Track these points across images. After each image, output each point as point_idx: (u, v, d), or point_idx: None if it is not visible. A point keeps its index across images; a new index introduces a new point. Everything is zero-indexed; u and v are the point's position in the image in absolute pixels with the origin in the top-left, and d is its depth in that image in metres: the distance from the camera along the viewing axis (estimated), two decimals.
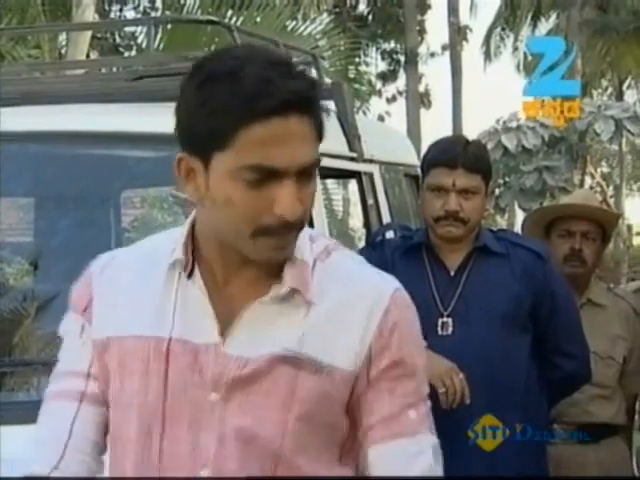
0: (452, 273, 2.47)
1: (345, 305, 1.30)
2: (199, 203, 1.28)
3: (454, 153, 2.43)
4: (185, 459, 1.28)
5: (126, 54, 10.31)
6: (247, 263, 1.29)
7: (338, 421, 1.31)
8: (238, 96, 1.19)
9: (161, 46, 6.57)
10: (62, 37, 8.05)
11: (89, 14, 7.11)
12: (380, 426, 1.31)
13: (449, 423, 2.29)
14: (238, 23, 6.86)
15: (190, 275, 1.31)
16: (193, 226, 1.33)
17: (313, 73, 3.75)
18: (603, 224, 2.96)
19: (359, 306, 1.29)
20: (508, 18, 22.74)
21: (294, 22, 8.04)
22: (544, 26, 22.99)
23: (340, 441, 1.33)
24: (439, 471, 1.34)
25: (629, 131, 15.02)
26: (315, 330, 1.28)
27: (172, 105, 1.29)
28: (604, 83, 24.95)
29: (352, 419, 1.32)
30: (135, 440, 1.31)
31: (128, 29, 10.50)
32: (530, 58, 24.07)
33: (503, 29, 23.22)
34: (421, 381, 1.35)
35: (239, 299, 1.29)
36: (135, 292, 1.34)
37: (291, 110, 1.20)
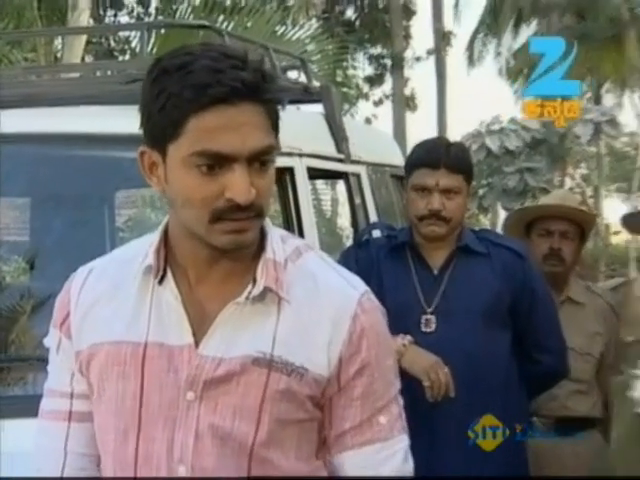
0: (435, 272, 2.47)
1: (313, 308, 1.29)
2: (162, 194, 1.28)
3: (437, 154, 2.44)
4: (161, 457, 1.28)
5: (120, 58, 10.28)
6: (217, 261, 1.29)
7: (311, 417, 1.31)
8: (188, 86, 1.20)
9: (154, 50, 6.55)
10: (58, 41, 8.02)
11: (84, 19, 7.08)
12: (351, 433, 1.32)
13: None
14: (229, 28, 6.85)
15: (162, 280, 1.31)
16: (166, 232, 1.33)
17: (302, 77, 3.76)
18: (581, 224, 2.97)
19: (326, 311, 1.29)
20: (491, 24, 22.79)
21: (283, 27, 8.00)
22: (525, 32, 23.07)
23: (316, 435, 1.33)
24: (408, 470, 1.35)
25: (607, 134, 15.10)
26: (286, 331, 1.28)
27: None
28: (583, 88, 25.04)
29: (323, 418, 1.33)
30: (112, 442, 1.31)
31: (122, 34, 10.46)
32: (512, 63, 24.17)
33: (486, 35, 23.26)
34: (391, 382, 1.35)
35: (212, 299, 1.30)
36: (112, 299, 1.34)
37: (239, 98, 1.20)
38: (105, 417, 1.33)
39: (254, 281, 1.29)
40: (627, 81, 23.45)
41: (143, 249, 1.33)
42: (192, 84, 1.20)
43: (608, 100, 24.37)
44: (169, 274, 1.31)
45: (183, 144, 1.22)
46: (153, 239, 1.33)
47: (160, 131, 1.23)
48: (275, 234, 1.34)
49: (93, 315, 1.35)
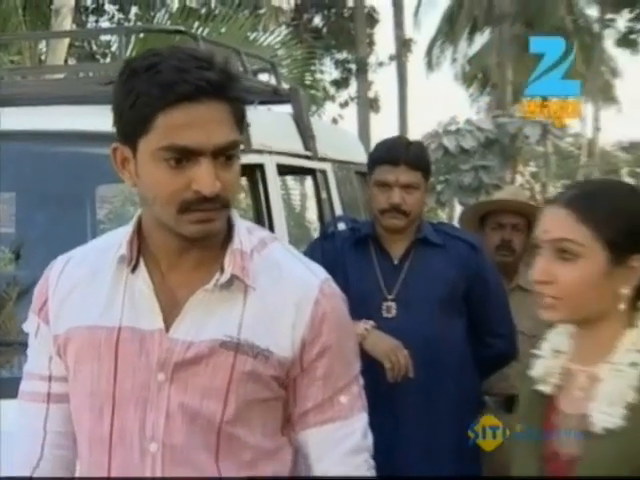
0: (396, 262, 2.48)
1: (277, 295, 1.29)
2: (134, 188, 1.28)
3: (397, 152, 2.44)
4: (134, 435, 1.27)
5: (101, 61, 10.16)
6: (187, 250, 1.29)
7: (276, 396, 1.31)
8: (156, 84, 1.20)
9: (133, 54, 6.48)
10: (42, 45, 7.92)
11: (67, 24, 6.99)
12: (314, 412, 1.32)
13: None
14: (204, 34, 6.79)
15: (134, 269, 1.30)
16: (140, 223, 1.32)
17: (272, 79, 3.75)
18: (530, 217, 3.00)
19: (289, 297, 1.29)
20: (448, 33, 22.90)
21: (255, 33, 7.96)
22: (479, 40, 23.22)
23: (281, 413, 1.33)
24: (367, 446, 1.35)
25: (554, 135, 15.26)
26: (252, 317, 1.28)
27: None
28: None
29: (288, 396, 1.33)
30: (88, 421, 1.30)
31: (103, 38, 10.35)
32: (467, 69, 24.28)
33: (443, 42, 23.37)
34: (351, 362, 1.35)
35: (182, 286, 1.29)
36: (88, 286, 1.33)
37: (205, 96, 1.20)
38: (81, 397, 1.32)
39: (222, 269, 1.28)
40: None
41: (118, 240, 1.33)
42: (160, 83, 1.20)
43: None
44: (142, 263, 1.30)
45: (152, 139, 1.21)
46: (128, 230, 1.33)
47: (131, 127, 1.23)
48: (242, 226, 1.34)
49: (70, 301, 1.34)
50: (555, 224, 1.33)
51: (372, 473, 1.35)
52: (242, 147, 2.93)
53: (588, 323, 1.34)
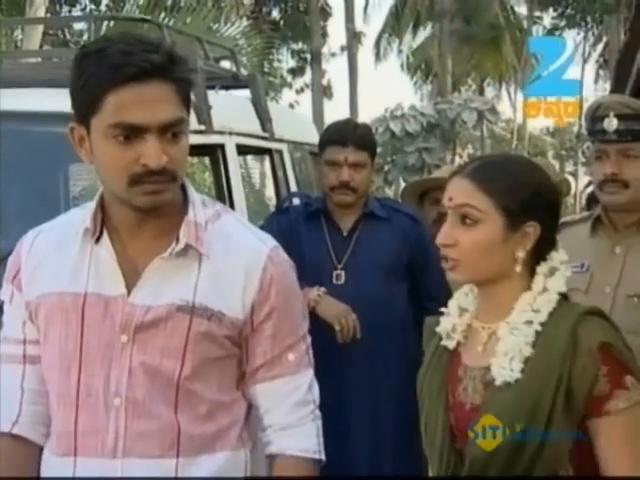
0: (345, 234, 2.48)
1: (229, 262, 1.30)
2: (91, 164, 1.27)
3: (346, 133, 2.44)
4: (99, 391, 1.27)
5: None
6: (145, 221, 1.29)
7: (230, 354, 1.31)
8: (104, 67, 1.20)
9: None
10: (18, 32, 7.72)
11: (41, 13, 6.85)
12: (263, 368, 1.33)
13: None
14: (170, 24, 6.68)
15: (98, 240, 1.30)
16: (103, 198, 1.32)
17: (233, 66, 3.71)
18: None
19: (240, 263, 1.30)
20: (394, 26, 22.90)
21: (217, 24, 7.87)
22: (422, 34, 23.27)
23: (235, 370, 1.33)
24: (312, 398, 1.36)
25: (489, 120, 15.43)
26: (206, 282, 1.28)
27: None
28: (469, 81, 25.46)
29: (241, 355, 1.33)
30: (57, 379, 1.30)
31: (77, 28, 10.14)
32: (412, 60, 24.34)
33: (390, 35, 23.38)
34: (298, 323, 1.36)
35: (142, 255, 1.29)
36: (57, 256, 1.33)
37: (148, 77, 1.20)
38: (50, 357, 1.32)
39: (177, 239, 1.29)
40: (504, 76, 23.95)
41: (83, 214, 1.33)
42: (108, 65, 1.20)
43: (489, 92, 24.83)
44: (105, 234, 1.31)
45: (102, 118, 1.21)
46: (92, 205, 1.32)
47: (83, 108, 1.23)
48: (197, 199, 1.34)
49: (41, 270, 1.33)
50: (458, 192, 1.34)
51: (318, 424, 1.36)
52: (204, 128, 2.88)
53: (490, 284, 1.35)
